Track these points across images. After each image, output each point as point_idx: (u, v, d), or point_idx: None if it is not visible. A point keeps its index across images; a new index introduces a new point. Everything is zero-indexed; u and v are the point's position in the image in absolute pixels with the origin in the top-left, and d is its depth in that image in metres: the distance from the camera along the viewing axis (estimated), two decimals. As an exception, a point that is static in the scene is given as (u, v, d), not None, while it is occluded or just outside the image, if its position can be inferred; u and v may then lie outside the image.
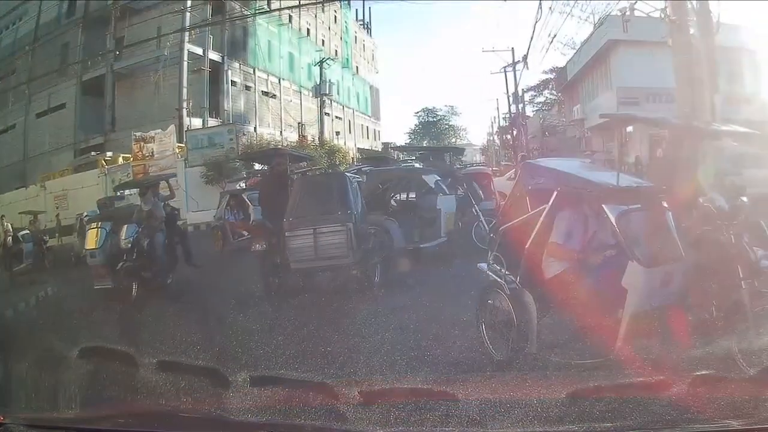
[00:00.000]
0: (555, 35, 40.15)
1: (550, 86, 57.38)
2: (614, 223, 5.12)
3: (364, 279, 10.55)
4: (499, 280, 6.08)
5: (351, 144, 57.51)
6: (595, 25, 29.20)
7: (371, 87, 69.66)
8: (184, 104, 35.23)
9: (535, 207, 6.19)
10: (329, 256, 10.26)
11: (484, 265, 6.61)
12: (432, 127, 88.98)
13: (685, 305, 5.16)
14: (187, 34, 34.87)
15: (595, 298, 5.16)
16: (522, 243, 5.91)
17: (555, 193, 5.71)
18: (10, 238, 19.15)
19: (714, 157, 7.06)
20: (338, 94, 52.82)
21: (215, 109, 38.61)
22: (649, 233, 5.37)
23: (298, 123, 46.84)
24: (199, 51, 36.84)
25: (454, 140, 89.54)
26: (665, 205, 5.39)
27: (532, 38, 34.40)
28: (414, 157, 34.01)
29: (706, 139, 7.46)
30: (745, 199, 5.82)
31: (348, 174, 12.79)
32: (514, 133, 45.68)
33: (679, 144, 6.88)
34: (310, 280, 10.98)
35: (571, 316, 5.25)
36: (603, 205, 5.26)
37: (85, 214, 18.22)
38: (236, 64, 40.85)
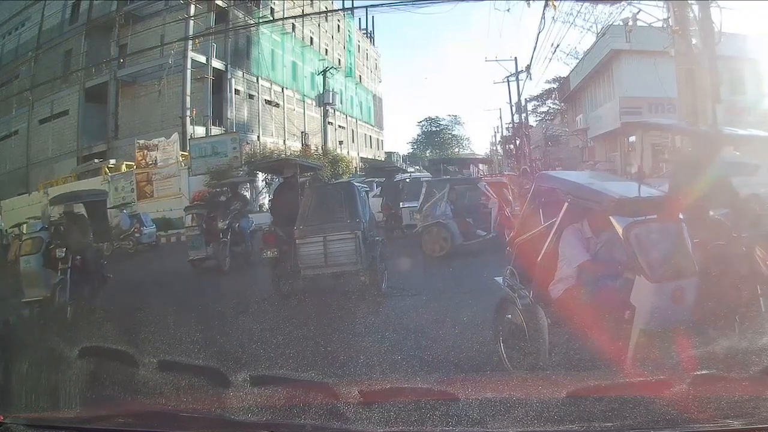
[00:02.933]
0: (558, 45, 40.36)
1: (553, 96, 57.53)
2: (621, 235, 4.97)
3: (371, 285, 10.62)
4: (512, 294, 6.02)
5: (354, 153, 57.69)
6: (597, 35, 29.24)
7: (374, 96, 69.96)
8: (188, 112, 35.34)
9: (548, 219, 6.12)
10: (339, 263, 10.48)
11: (500, 279, 6.54)
12: (435, 137, 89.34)
13: (701, 323, 4.92)
14: (190, 42, 35.00)
15: (605, 315, 5.05)
16: (534, 256, 5.85)
17: (565, 205, 5.66)
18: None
19: (731, 165, 6.91)
20: (341, 103, 53.01)
21: (218, 118, 38.75)
22: (661, 246, 5.12)
23: (302, 132, 47.01)
24: (202, 59, 37.02)
25: (457, 150, 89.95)
26: (680, 216, 5.19)
27: (535, 48, 34.54)
28: (419, 168, 34.26)
29: (730, 145, 7.33)
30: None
31: (356, 183, 13.01)
32: (517, 142, 45.79)
33: (699, 152, 6.69)
34: (320, 285, 11.15)
35: (581, 331, 5.04)
36: (611, 217, 5.14)
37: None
38: (240, 73, 41.03)
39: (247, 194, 22.26)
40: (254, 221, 17.68)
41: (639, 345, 4.70)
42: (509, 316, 5.95)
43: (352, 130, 60.99)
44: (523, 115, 46.09)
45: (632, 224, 4.91)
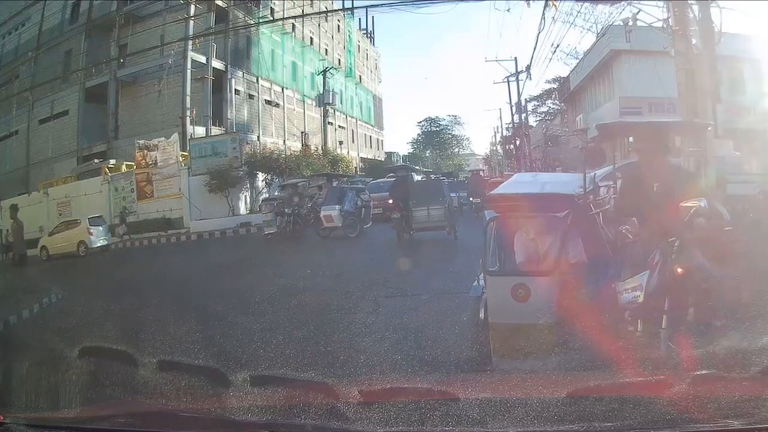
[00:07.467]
0: (558, 45, 40.30)
1: (553, 96, 57.51)
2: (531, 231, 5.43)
3: (451, 234, 18.01)
4: (479, 284, 6.62)
5: (354, 153, 57.66)
6: (597, 35, 29.19)
7: (374, 96, 69.88)
8: (188, 112, 35.28)
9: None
10: (434, 221, 18.11)
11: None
12: (435, 137, 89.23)
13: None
14: (190, 42, 34.96)
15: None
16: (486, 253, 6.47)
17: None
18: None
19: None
20: (341, 103, 52.99)
21: (218, 118, 38.68)
22: (503, 242, 5.65)
23: (302, 132, 46.98)
24: (202, 59, 36.98)
25: (457, 150, 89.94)
26: (592, 208, 5.50)
27: (535, 48, 34.54)
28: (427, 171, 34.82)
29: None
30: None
31: (443, 179, 24.82)
32: (517, 143, 45.81)
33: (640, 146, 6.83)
34: (422, 234, 18.54)
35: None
36: (485, 210, 5.76)
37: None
38: (240, 73, 40.99)
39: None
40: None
41: (494, 337, 4.87)
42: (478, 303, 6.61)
43: (352, 130, 60.95)
44: (523, 115, 46.14)
45: (491, 218, 5.35)
